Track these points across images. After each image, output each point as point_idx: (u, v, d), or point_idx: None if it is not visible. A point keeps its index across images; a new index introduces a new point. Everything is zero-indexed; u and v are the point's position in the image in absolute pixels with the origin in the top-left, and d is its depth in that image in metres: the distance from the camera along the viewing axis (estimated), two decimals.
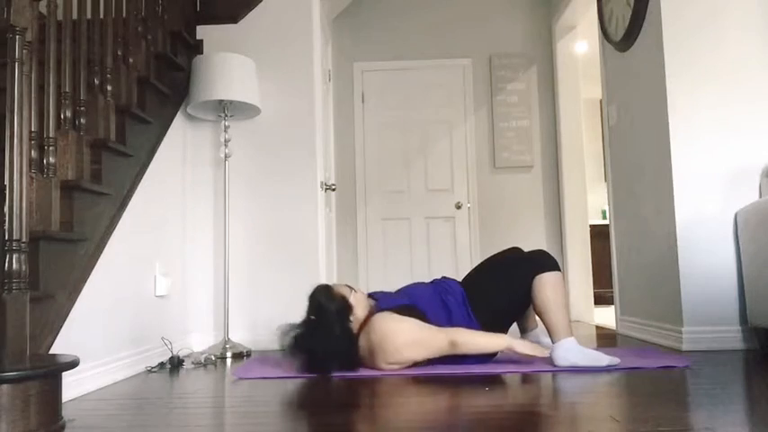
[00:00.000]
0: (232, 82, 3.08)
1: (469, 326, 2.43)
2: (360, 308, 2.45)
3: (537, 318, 2.84)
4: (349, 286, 2.52)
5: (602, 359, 2.28)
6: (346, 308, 2.39)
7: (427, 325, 2.38)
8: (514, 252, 2.69)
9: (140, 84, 2.78)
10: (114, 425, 1.64)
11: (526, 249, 2.94)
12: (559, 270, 2.45)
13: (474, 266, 2.74)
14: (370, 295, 2.63)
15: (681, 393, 1.82)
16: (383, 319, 2.36)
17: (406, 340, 2.31)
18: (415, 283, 2.65)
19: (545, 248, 4.71)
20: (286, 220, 3.38)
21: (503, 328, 2.52)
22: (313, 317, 2.39)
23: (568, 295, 4.59)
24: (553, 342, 2.38)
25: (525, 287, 2.43)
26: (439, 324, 2.41)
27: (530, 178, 4.79)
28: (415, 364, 2.39)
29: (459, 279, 4.41)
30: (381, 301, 2.49)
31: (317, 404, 1.84)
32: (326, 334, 2.33)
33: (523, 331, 2.85)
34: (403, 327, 2.33)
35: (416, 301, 2.47)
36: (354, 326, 2.41)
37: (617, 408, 1.65)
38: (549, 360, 2.38)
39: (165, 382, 2.33)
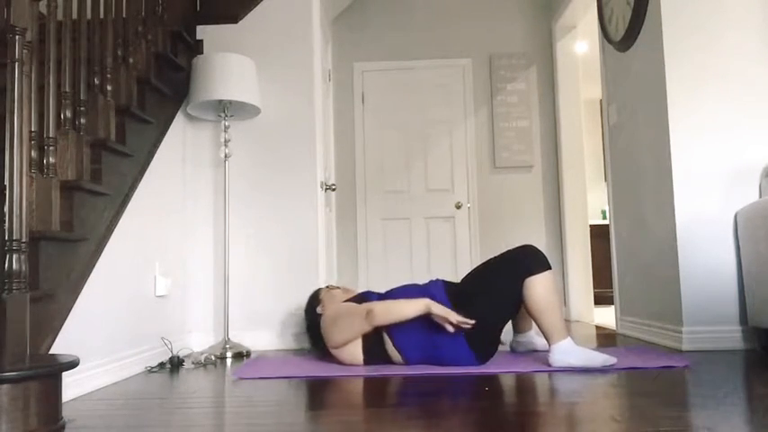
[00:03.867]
0: (232, 82, 3.08)
1: (452, 336, 2.37)
2: (329, 300, 2.77)
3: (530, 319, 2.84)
4: (333, 286, 2.89)
5: (598, 359, 2.28)
6: (314, 300, 2.86)
7: (351, 304, 2.52)
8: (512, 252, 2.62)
9: (140, 84, 2.78)
10: (114, 425, 1.64)
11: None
12: (549, 267, 2.38)
13: (474, 267, 2.74)
14: (364, 294, 2.71)
15: (681, 393, 1.82)
16: (330, 307, 2.64)
17: (330, 321, 2.54)
18: (407, 285, 2.65)
19: (545, 249, 4.72)
20: (286, 219, 3.38)
21: (497, 331, 2.42)
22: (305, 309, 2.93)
23: (569, 295, 4.59)
24: (549, 344, 2.36)
25: (515, 292, 2.36)
26: (414, 328, 2.42)
27: (530, 178, 4.79)
28: (367, 354, 2.48)
29: (458, 279, 4.41)
30: (356, 297, 2.67)
31: (317, 404, 1.84)
32: (306, 317, 2.88)
33: (517, 332, 2.84)
34: (330, 311, 2.58)
35: (389, 296, 2.58)
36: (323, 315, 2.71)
37: (617, 408, 1.65)
38: (546, 361, 2.38)
39: (165, 382, 2.33)
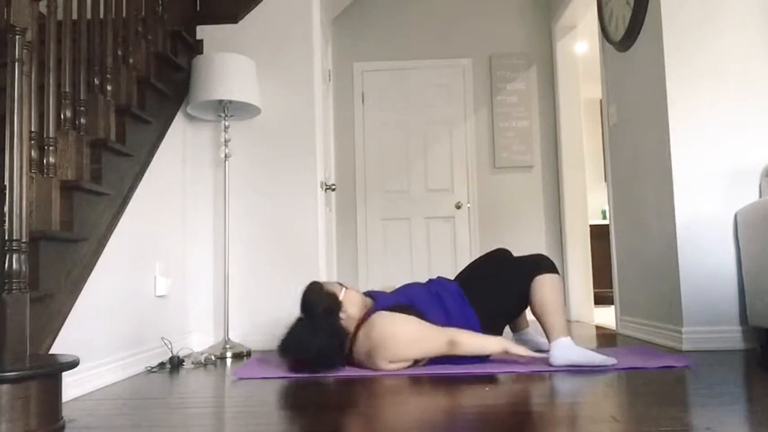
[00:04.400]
0: (232, 82, 3.08)
1: (469, 324, 2.44)
2: (352, 305, 2.44)
3: (528, 318, 2.87)
4: (340, 284, 2.53)
5: (598, 358, 2.29)
6: (335, 305, 2.39)
7: (427, 324, 2.39)
8: (502, 253, 2.67)
9: (140, 84, 2.78)
10: (114, 425, 1.64)
11: (526, 249, 2.95)
12: (558, 273, 2.48)
13: (467, 266, 2.74)
14: (367, 294, 2.62)
15: (681, 393, 1.82)
16: (384, 318, 2.36)
17: (407, 338, 2.31)
18: (410, 284, 2.66)
19: (545, 248, 4.72)
20: (286, 219, 3.38)
21: (499, 328, 2.53)
22: (303, 314, 2.42)
23: (569, 295, 4.59)
24: (549, 342, 2.38)
25: (524, 288, 2.45)
26: (437, 323, 2.41)
27: (530, 178, 4.79)
28: (415, 363, 2.40)
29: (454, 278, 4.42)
30: (379, 300, 2.50)
31: (317, 404, 1.84)
32: (316, 332, 2.32)
33: (515, 330, 2.86)
34: (405, 325, 2.35)
35: (414, 301, 2.47)
36: (348, 323, 2.41)
37: (617, 408, 1.65)
38: (545, 359, 2.39)
39: (165, 382, 2.33)
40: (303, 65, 3.46)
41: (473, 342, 2.35)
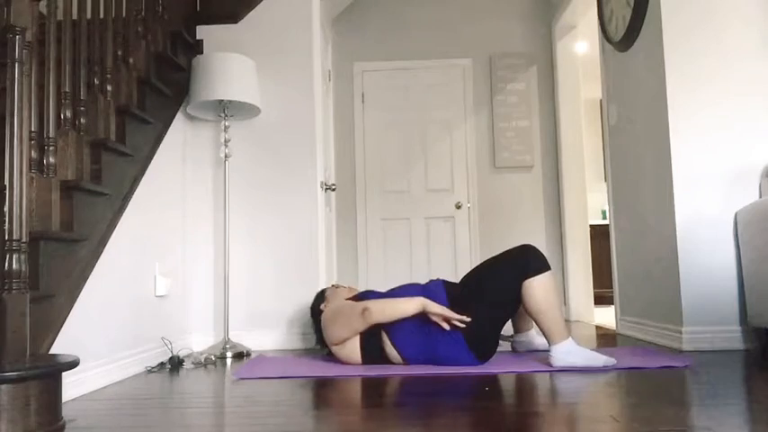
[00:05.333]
0: (232, 82, 3.08)
1: (451, 336, 2.37)
2: (335, 299, 2.77)
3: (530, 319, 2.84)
4: (339, 285, 2.92)
5: (599, 359, 2.28)
6: (319, 298, 2.90)
7: (350, 302, 2.54)
8: (503, 254, 2.56)
9: (140, 84, 2.78)
10: (114, 425, 1.64)
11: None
12: (548, 268, 2.36)
13: (473, 267, 2.73)
14: (363, 293, 2.71)
15: (681, 393, 1.82)
16: (330, 305, 2.66)
17: (329, 318, 2.56)
18: (408, 284, 2.65)
19: (545, 248, 4.71)
20: (286, 219, 3.38)
21: (494, 335, 2.41)
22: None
23: (569, 295, 4.58)
24: (549, 345, 2.36)
25: (514, 293, 2.36)
26: (413, 327, 2.43)
27: (530, 178, 4.79)
28: (364, 351, 2.49)
29: (458, 279, 4.41)
30: (358, 296, 2.68)
31: (317, 404, 1.84)
32: (311, 319, 2.95)
33: (518, 332, 2.84)
34: (330, 308, 2.60)
35: (387, 294, 2.60)
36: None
37: (617, 408, 1.65)
38: (546, 361, 2.38)
39: (165, 382, 2.33)
40: (303, 65, 3.46)
41: (386, 306, 2.41)
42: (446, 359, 2.40)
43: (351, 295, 2.76)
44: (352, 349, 2.50)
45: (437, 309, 2.34)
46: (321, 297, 2.92)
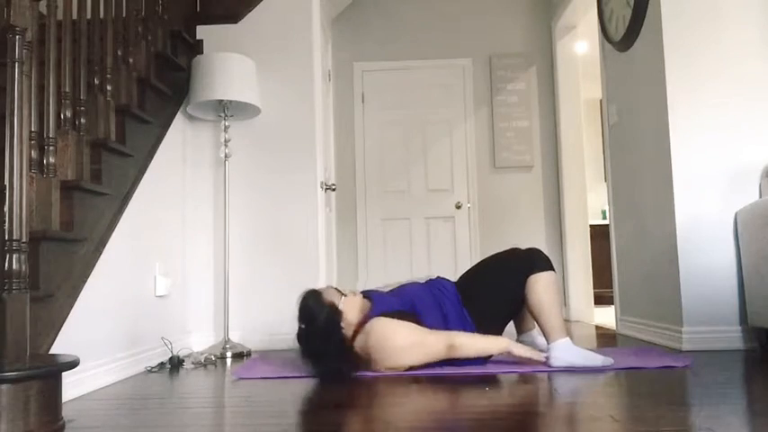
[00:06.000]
0: (232, 82, 3.08)
1: (464, 327, 2.41)
2: (352, 312, 2.39)
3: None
4: (338, 290, 2.47)
5: (597, 359, 2.29)
6: (336, 315, 2.34)
7: (425, 329, 2.35)
8: (504, 254, 2.58)
9: (140, 84, 2.78)
10: (114, 425, 1.64)
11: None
12: (553, 269, 2.43)
13: (471, 266, 2.72)
14: (365, 294, 2.55)
15: (681, 393, 1.82)
16: (380, 324, 2.31)
17: (404, 344, 2.28)
18: (410, 283, 2.63)
19: (545, 248, 4.72)
20: (286, 219, 3.38)
21: (498, 330, 2.48)
22: (303, 325, 2.34)
23: (569, 295, 4.59)
24: (548, 343, 2.37)
25: (518, 288, 2.41)
26: (435, 326, 2.40)
27: (530, 178, 4.79)
28: (413, 368, 2.38)
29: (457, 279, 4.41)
30: (376, 304, 2.43)
31: (317, 404, 1.84)
32: (317, 341, 2.30)
33: (520, 332, 2.84)
34: (400, 331, 2.30)
35: (412, 304, 2.43)
36: (348, 330, 2.36)
37: (617, 408, 1.65)
38: (545, 361, 2.38)
39: (165, 382, 2.33)
40: (303, 65, 3.46)
41: (473, 344, 2.33)
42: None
43: (357, 300, 2.48)
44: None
45: (523, 353, 2.34)
46: (334, 313, 2.34)
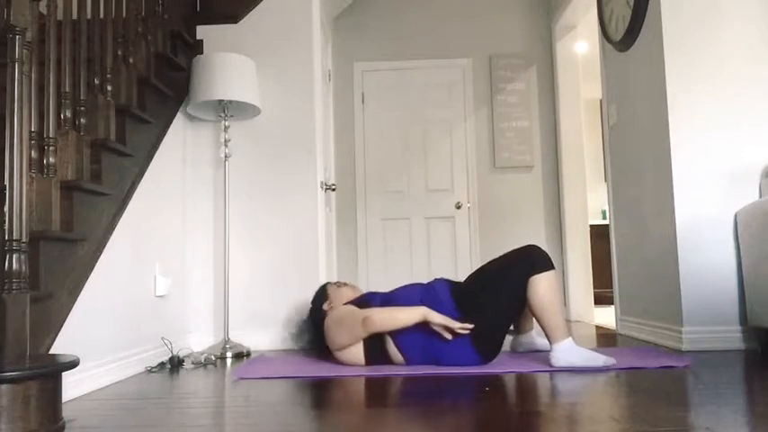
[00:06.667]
0: (232, 82, 3.08)
1: (457, 335, 2.38)
2: (338, 299, 2.73)
3: (533, 320, 2.84)
4: (342, 283, 2.82)
5: (599, 359, 2.28)
6: (322, 297, 2.81)
7: (353, 308, 2.52)
8: (505, 254, 2.58)
9: (140, 84, 2.78)
10: (114, 425, 1.64)
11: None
12: (553, 268, 2.40)
13: (474, 270, 2.71)
14: (367, 296, 2.67)
15: (681, 393, 1.82)
16: (336, 310, 2.60)
17: (330, 325, 2.54)
18: (411, 284, 2.64)
19: (545, 248, 4.71)
20: (286, 219, 3.38)
21: (500, 335, 2.42)
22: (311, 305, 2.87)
23: (569, 295, 4.59)
24: (551, 344, 2.37)
25: (519, 291, 2.38)
26: (417, 329, 2.42)
27: (530, 178, 4.79)
28: (368, 358, 2.49)
29: (459, 279, 4.41)
30: (360, 297, 2.66)
31: (317, 404, 1.84)
32: (309, 314, 2.87)
33: (520, 332, 2.85)
34: (332, 315, 2.57)
35: (388, 300, 2.55)
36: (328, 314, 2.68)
37: (617, 408, 1.65)
38: (547, 361, 2.38)
39: (165, 382, 2.33)
40: (303, 65, 3.46)
41: (387, 316, 2.39)
42: (449, 360, 2.40)
43: (354, 295, 2.75)
44: (356, 353, 2.50)
45: (439, 319, 2.34)
46: (323, 294, 2.82)
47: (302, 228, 3.37)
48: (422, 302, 2.47)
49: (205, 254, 3.37)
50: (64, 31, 2.24)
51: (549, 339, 2.38)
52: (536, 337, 2.81)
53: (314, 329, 2.83)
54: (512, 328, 2.90)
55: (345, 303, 2.67)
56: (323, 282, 3.38)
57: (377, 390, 2.02)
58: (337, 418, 1.63)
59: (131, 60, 2.73)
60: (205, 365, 2.74)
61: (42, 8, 3.00)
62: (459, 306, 2.42)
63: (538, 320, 2.40)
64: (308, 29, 3.49)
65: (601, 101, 4.05)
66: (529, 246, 2.48)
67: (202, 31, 3.50)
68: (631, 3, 3.17)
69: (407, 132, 4.85)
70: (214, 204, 3.40)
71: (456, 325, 2.32)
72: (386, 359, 2.49)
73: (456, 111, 4.85)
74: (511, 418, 1.56)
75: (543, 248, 4.67)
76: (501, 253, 4.49)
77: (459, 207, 4.76)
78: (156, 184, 2.86)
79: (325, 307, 2.75)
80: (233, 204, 3.40)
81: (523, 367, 2.33)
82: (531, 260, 2.40)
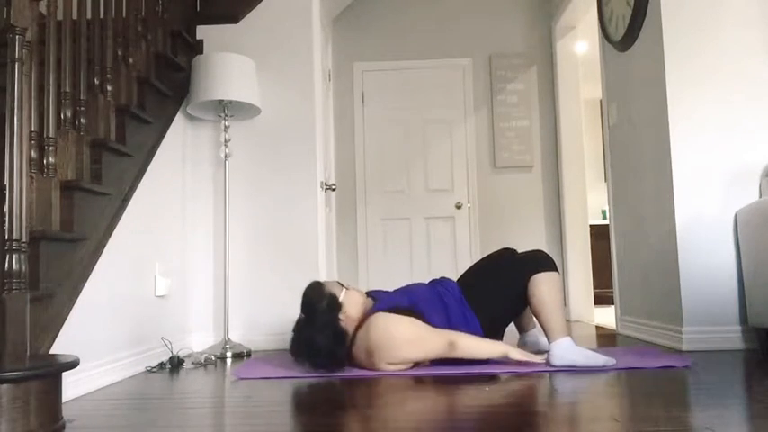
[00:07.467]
0: (232, 82, 3.08)
1: (468, 326, 2.43)
2: (352, 306, 2.43)
3: (534, 319, 2.85)
4: (340, 283, 2.51)
5: (599, 359, 2.29)
6: (335, 305, 2.37)
7: (426, 325, 2.37)
8: (508, 253, 2.63)
9: (140, 84, 2.78)
10: (114, 425, 1.64)
11: (526, 249, 2.93)
12: (556, 270, 2.46)
13: (469, 266, 2.73)
14: (369, 294, 2.60)
15: (681, 393, 1.82)
16: (382, 319, 2.34)
17: (404, 339, 2.29)
18: (414, 284, 2.64)
19: (545, 248, 4.72)
20: (286, 219, 3.38)
21: (501, 328, 2.53)
22: (303, 315, 2.39)
23: (569, 295, 4.59)
24: (549, 342, 2.38)
25: (522, 287, 2.44)
26: (439, 325, 2.40)
27: (530, 178, 4.79)
28: (415, 365, 2.39)
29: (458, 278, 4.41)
30: (380, 301, 2.46)
31: (317, 404, 1.84)
32: (315, 331, 2.31)
33: (521, 331, 2.86)
34: (403, 326, 2.32)
35: (416, 302, 2.45)
36: (347, 324, 2.38)
37: (617, 408, 1.65)
38: (545, 361, 2.38)
39: (165, 382, 2.33)
40: (303, 65, 3.46)
41: (472, 345, 2.33)
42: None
43: (361, 296, 2.52)
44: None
45: (519, 357, 2.33)
46: (333, 303, 2.37)
47: (302, 228, 3.37)
48: (437, 295, 2.49)
49: (205, 253, 3.37)
50: (64, 32, 2.24)
51: (547, 337, 2.39)
52: (540, 337, 2.82)
53: (329, 345, 2.31)
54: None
55: (383, 310, 2.40)
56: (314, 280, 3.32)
57: (376, 389, 2.02)
58: (337, 419, 1.63)
59: (131, 60, 2.73)
60: (205, 365, 2.74)
61: (42, 8, 3.00)
62: (471, 302, 2.48)
63: (537, 318, 2.42)
64: (307, 29, 3.49)
65: (601, 101, 4.05)
66: (536, 249, 2.56)
67: (202, 31, 3.50)
68: (631, 2, 3.17)
69: (407, 132, 4.85)
70: (214, 204, 3.40)
71: (536, 359, 2.34)
72: None
73: (456, 111, 4.85)
74: (511, 418, 1.56)
75: (543, 249, 4.70)
76: None
77: (459, 207, 4.76)
78: (156, 183, 2.86)
79: (342, 317, 2.37)
80: (233, 204, 3.40)
81: (523, 367, 2.33)
82: (536, 260, 2.46)
